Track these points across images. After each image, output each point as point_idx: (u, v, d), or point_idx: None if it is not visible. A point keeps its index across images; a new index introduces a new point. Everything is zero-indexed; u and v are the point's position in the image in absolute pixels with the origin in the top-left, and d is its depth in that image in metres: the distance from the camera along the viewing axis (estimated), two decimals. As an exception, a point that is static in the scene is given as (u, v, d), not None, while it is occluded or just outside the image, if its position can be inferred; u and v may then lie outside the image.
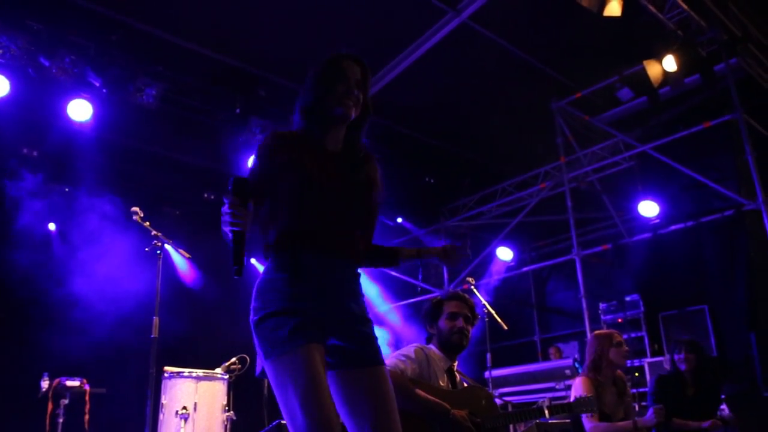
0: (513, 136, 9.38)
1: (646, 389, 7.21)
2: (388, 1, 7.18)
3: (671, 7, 7.32)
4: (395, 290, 10.77)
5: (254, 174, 2.13)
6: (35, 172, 7.53)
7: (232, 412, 5.56)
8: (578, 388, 4.11)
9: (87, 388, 6.07)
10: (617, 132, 8.92)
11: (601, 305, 9.37)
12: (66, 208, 7.70)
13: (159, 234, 4.99)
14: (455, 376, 3.58)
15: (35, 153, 7.80)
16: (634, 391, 7.23)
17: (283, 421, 4.39)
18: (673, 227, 8.40)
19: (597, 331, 4.46)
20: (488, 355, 6.55)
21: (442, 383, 3.45)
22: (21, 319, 7.17)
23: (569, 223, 8.86)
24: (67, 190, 7.94)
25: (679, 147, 8.12)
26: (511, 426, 5.76)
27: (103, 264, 7.24)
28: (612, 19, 6.52)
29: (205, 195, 9.31)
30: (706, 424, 4.51)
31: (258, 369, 2.08)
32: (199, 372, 5.52)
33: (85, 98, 6.96)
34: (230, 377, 5.67)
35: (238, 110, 8.01)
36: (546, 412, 3.55)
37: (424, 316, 3.70)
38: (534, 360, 10.62)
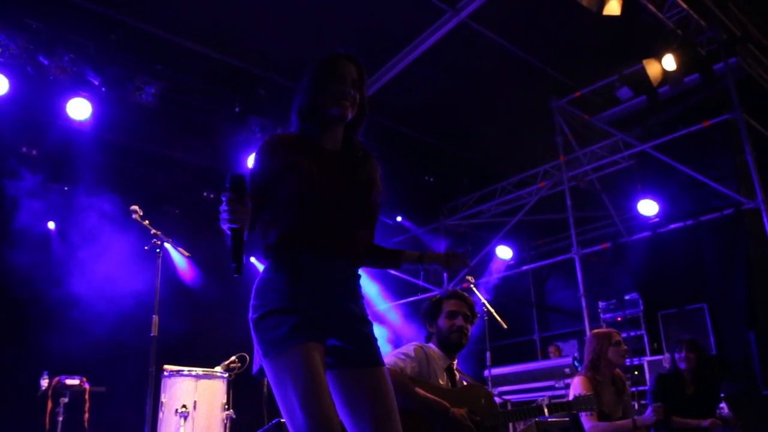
0: (512, 135, 9.39)
1: (646, 388, 7.24)
2: (387, 0, 7.18)
3: (671, 6, 7.32)
4: (395, 289, 10.77)
5: (254, 179, 2.13)
6: (34, 171, 7.52)
7: (231, 410, 5.56)
8: (577, 387, 4.11)
9: (87, 386, 6.06)
10: (616, 131, 8.93)
11: (601, 304, 9.38)
12: (65, 206, 7.70)
13: (158, 233, 4.99)
14: (455, 375, 3.58)
15: (34, 152, 7.80)
16: (634, 389, 7.25)
17: (282, 420, 4.40)
18: (672, 226, 8.41)
19: (595, 330, 4.45)
20: (488, 354, 6.55)
21: (441, 382, 3.45)
22: (20, 317, 7.17)
23: (569, 221, 8.86)
24: (66, 188, 7.94)
25: (679, 146, 8.13)
26: (510, 424, 5.79)
27: (103, 263, 7.24)
28: (611, 18, 6.51)
29: (205, 194, 9.31)
30: (705, 423, 4.52)
31: (255, 367, 2.06)
32: (199, 370, 5.52)
33: (84, 97, 6.96)
34: (230, 376, 5.68)
35: (237, 109, 8.01)
36: (545, 410, 3.55)
37: (423, 314, 3.70)
38: (533, 358, 10.62)
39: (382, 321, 10.41)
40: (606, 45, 7.81)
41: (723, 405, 4.94)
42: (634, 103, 8.59)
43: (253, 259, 8.91)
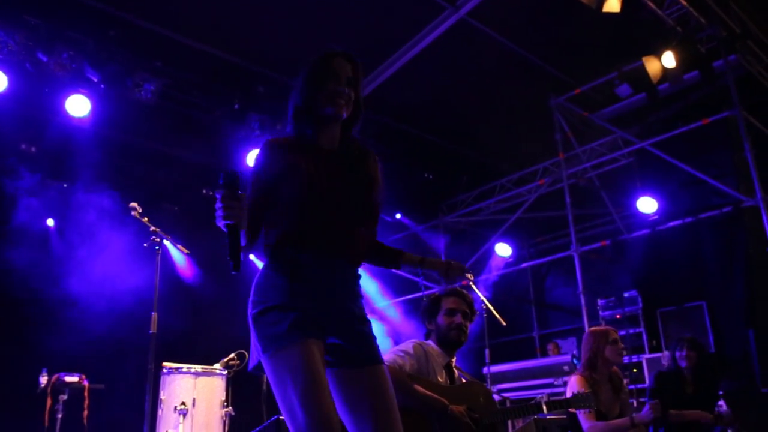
0: (512, 132, 9.39)
1: (645, 385, 7.24)
2: (386, -3, 7.18)
3: (670, 3, 7.32)
4: (394, 286, 10.77)
5: (255, 182, 2.13)
6: (33, 167, 7.51)
7: (230, 407, 5.56)
8: (574, 386, 4.09)
9: (86, 383, 6.06)
10: (616, 128, 8.92)
11: (600, 301, 9.39)
12: (64, 203, 7.69)
13: (157, 229, 4.99)
14: (453, 372, 3.59)
15: (33, 149, 7.79)
16: (632, 387, 7.25)
17: (281, 417, 4.39)
18: (671, 224, 8.41)
19: (592, 328, 4.41)
20: (487, 351, 6.57)
21: (440, 379, 3.46)
22: (19, 315, 7.16)
23: (568, 219, 8.86)
24: (65, 185, 7.93)
25: (678, 143, 8.12)
26: (509, 422, 5.78)
27: (102, 260, 7.24)
28: (611, 16, 6.51)
29: (204, 191, 9.30)
30: (704, 420, 4.53)
31: (252, 363, 2.06)
32: (198, 368, 5.52)
33: (83, 94, 6.95)
34: (229, 373, 5.67)
35: (236, 106, 8.00)
36: (544, 407, 3.55)
37: (422, 312, 3.70)
38: (532, 356, 10.64)
39: (381, 318, 10.41)
40: (605, 42, 7.80)
41: (721, 402, 4.95)
42: (634, 101, 8.58)
43: (252, 257, 8.90)
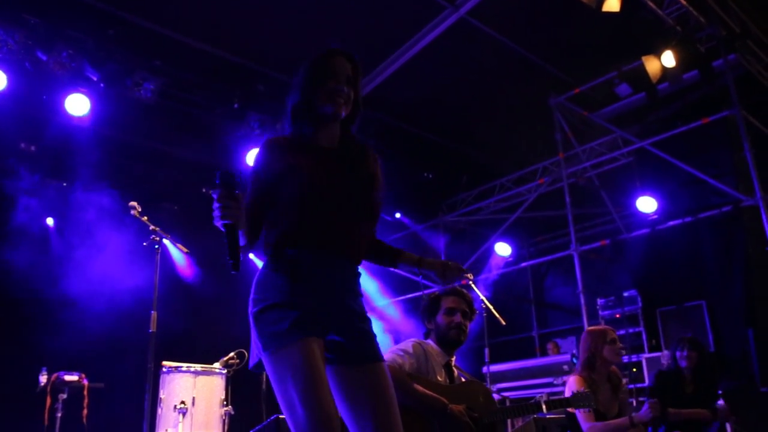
0: (511, 132, 9.39)
1: (644, 385, 7.25)
2: (386, -4, 7.18)
3: (670, 2, 7.32)
4: (394, 285, 10.78)
5: (255, 182, 2.13)
6: (33, 167, 7.51)
7: (230, 406, 5.57)
8: (572, 386, 4.06)
9: (85, 382, 6.07)
10: (616, 128, 8.92)
11: (599, 301, 9.40)
12: (64, 203, 7.69)
13: (157, 229, 4.99)
14: (453, 371, 3.59)
15: (33, 148, 7.79)
16: (632, 386, 7.25)
17: (281, 416, 4.39)
18: (671, 223, 8.41)
19: (590, 328, 4.39)
20: (486, 351, 6.57)
21: (439, 378, 3.46)
22: (19, 314, 7.16)
23: (567, 218, 8.87)
24: (64, 184, 7.93)
25: (678, 143, 8.12)
26: (508, 421, 5.79)
27: (101, 259, 7.23)
28: (611, 15, 6.51)
29: (204, 190, 9.29)
30: (702, 417, 4.54)
31: (252, 361, 2.06)
32: (198, 367, 5.53)
33: (82, 93, 6.94)
34: (228, 372, 5.68)
35: (236, 105, 7.99)
36: (543, 407, 3.55)
37: (422, 311, 3.70)
38: (532, 355, 10.65)
39: (381, 317, 10.42)
40: (605, 42, 7.80)
41: (720, 401, 4.95)
42: (633, 100, 8.59)
43: (252, 256, 8.90)
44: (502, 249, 10.71)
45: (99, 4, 6.80)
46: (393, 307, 10.85)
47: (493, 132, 9.34)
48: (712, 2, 7.39)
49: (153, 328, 4.72)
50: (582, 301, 8.37)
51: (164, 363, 5.43)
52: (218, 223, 1.89)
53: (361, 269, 2.22)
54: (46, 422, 5.81)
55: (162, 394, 5.33)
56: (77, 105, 6.92)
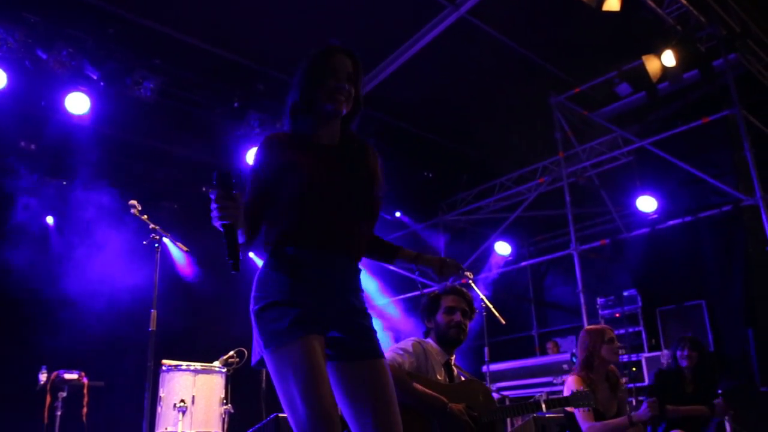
0: (511, 131, 9.38)
1: (644, 384, 7.25)
2: (386, -5, 7.18)
3: (670, 2, 7.32)
4: (394, 284, 10.79)
5: (255, 179, 2.12)
6: (32, 165, 7.51)
7: (229, 405, 5.56)
8: (571, 386, 4.05)
9: (85, 381, 6.07)
10: (616, 127, 8.92)
11: (599, 300, 9.39)
12: (63, 201, 7.69)
13: (157, 227, 4.98)
14: (453, 370, 3.58)
15: (33, 146, 7.79)
16: (631, 386, 7.25)
17: (280, 414, 4.40)
18: (671, 222, 8.41)
19: (588, 327, 4.37)
20: (486, 350, 6.57)
21: (439, 377, 3.45)
22: (19, 312, 7.16)
23: (567, 218, 8.87)
24: (64, 183, 7.93)
25: (678, 142, 8.13)
26: (508, 420, 5.79)
27: (101, 257, 7.24)
28: (611, 14, 6.51)
29: (203, 189, 9.29)
30: (700, 413, 4.55)
31: (254, 358, 2.07)
32: (197, 365, 5.52)
33: (82, 91, 6.94)
34: (228, 370, 5.67)
35: (236, 104, 8.00)
36: (543, 406, 3.55)
37: (421, 310, 3.70)
38: (531, 354, 10.65)
39: (381, 316, 10.42)
40: (605, 41, 7.80)
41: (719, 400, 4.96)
42: (634, 99, 8.59)
43: (251, 255, 8.90)
44: (502, 248, 10.71)
45: (99, 2, 6.80)
46: (393, 306, 10.85)
47: (493, 131, 9.33)
48: (712, 2, 7.39)
49: (153, 327, 4.72)
50: (582, 300, 8.37)
51: (164, 361, 5.43)
52: (216, 224, 1.89)
53: (360, 266, 2.23)
54: (45, 420, 5.82)
55: (162, 393, 5.33)
56: (77, 103, 6.93)
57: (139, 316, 5.53)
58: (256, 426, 4.74)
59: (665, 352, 7.17)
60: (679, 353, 4.81)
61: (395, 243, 2.49)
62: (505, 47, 7.97)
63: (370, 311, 2.20)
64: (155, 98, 7.41)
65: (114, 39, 7.07)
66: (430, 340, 3.58)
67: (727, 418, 5.38)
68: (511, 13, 7.54)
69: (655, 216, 8.71)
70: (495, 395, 6.71)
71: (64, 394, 5.91)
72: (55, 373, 5.92)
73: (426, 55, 7.96)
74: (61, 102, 6.90)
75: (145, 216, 4.99)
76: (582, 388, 3.83)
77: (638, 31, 7.46)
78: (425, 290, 9.03)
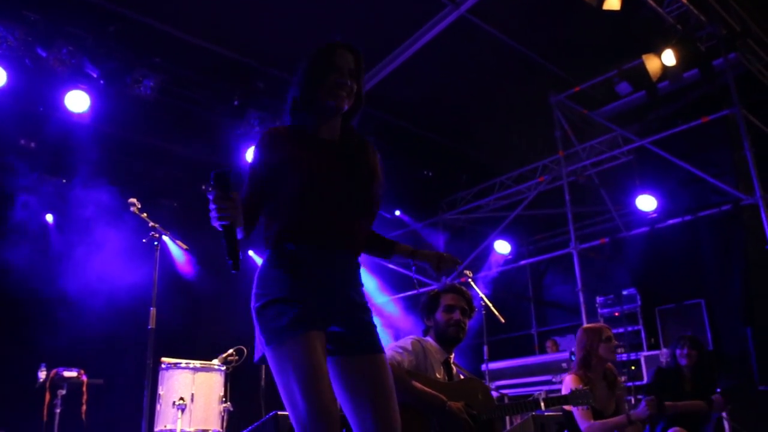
0: (511, 130, 9.38)
1: (643, 383, 7.25)
2: (386, -7, 7.18)
3: (670, 1, 7.32)
4: (394, 282, 10.79)
5: (254, 173, 2.12)
6: (32, 163, 7.51)
7: (229, 403, 5.57)
8: (569, 385, 4.06)
9: (84, 378, 6.08)
10: (616, 126, 8.92)
11: (598, 299, 9.40)
12: (63, 199, 7.69)
13: (156, 225, 4.98)
14: (452, 369, 3.59)
15: (32, 144, 7.79)
16: (630, 384, 7.26)
17: (279, 412, 4.40)
18: (670, 221, 8.42)
19: (585, 326, 4.37)
20: (485, 348, 6.56)
21: (438, 375, 3.46)
22: (18, 310, 7.16)
23: (567, 216, 8.87)
24: (64, 181, 7.93)
25: (678, 141, 8.13)
26: (507, 418, 5.79)
27: (101, 255, 7.24)
28: (611, 13, 6.51)
29: (203, 187, 9.30)
30: (699, 409, 4.55)
31: (257, 355, 2.08)
32: (197, 363, 5.52)
33: (82, 89, 6.94)
34: (227, 368, 5.68)
35: (236, 102, 8.00)
36: (542, 404, 3.56)
37: (421, 308, 3.70)
38: (531, 353, 10.64)
39: (380, 315, 10.43)
40: (605, 40, 7.80)
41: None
42: (634, 99, 8.58)
43: (251, 253, 8.91)
44: (502, 247, 10.72)
45: (99, 0, 6.80)
46: (392, 304, 10.86)
47: (492, 130, 9.33)
48: (712, 1, 7.39)
49: (152, 325, 4.72)
50: (581, 299, 8.37)
51: (163, 359, 5.43)
52: (215, 224, 1.89)
53: (360, 261, 2.23)
54: (45, 418, 5.82)
55: (161, 391, 5.33)
56: (77, 102, 6.93)
57: (138, 314, 5.53)
58: (255, 424, 4.74)
59: (664, 350, 7.17)
60: (678, 352, 4.81)
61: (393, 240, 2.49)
62: (506, 46, 7.97)
63: (370, 306, 2.20)
64: (155, 96, 7.41)
65: (114, 37, 7.07)
66: (429, 339, 3.59)
67: (725, 414, 5.38)
68: (511, 12, 7.54)
69: (655, 215, 8.71)
70: (494, 393, 6.71)
71: (64, 392, 5.91)
72: (54, 371, 5.92)
73: (426, 54, 7.96)
74: (61, 100, 6.90)
75: (145, 214, 4.99)
76: (580, 386, 3.83)
77: (638, 30, 7.46)
78: (422, 289, 9.06)
